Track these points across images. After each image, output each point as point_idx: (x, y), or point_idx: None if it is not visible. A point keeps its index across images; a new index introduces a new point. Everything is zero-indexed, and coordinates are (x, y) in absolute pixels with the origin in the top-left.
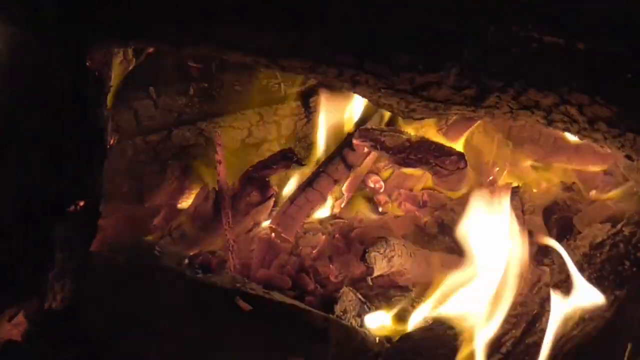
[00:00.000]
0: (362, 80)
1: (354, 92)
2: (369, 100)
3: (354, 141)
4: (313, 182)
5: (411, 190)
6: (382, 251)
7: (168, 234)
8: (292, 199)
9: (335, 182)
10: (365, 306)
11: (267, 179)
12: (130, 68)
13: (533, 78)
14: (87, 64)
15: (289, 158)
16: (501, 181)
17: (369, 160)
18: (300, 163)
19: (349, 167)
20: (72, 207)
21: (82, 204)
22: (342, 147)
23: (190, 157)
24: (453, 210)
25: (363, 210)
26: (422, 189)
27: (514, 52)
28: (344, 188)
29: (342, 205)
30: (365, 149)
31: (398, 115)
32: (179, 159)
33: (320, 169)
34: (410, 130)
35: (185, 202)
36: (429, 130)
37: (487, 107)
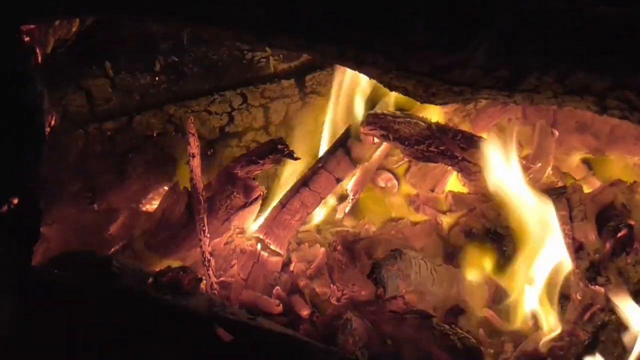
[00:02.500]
0: (369, 60)
1: (360, 72)
2: (379, 82)
3: (361, 129)
4: (310, 180)
5: (432, 190)
6: (395, 267)
7: (128, 246)
8: (284, 202)
9: (337, 180)
10: (375, 333)
11: (252, 177)
12: (72, 33)
13: (582, 56)
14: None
15: (279, 150)
16: (544, 179)
17: (379, 153)
18: (293, 156)
19: (355, 162)
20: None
21: (15, 202)
22: (345, 137)
23: (156, 150)
24: (484, 215)
25: (372, 216)
26: (446, 189)
27: (559, 23)
28: (348, 188)
29: (346, 210)
30: (375, 139)
31: (414, 99)
32: (142, 151)
33: (319, 165)
34: (430, 115)
35: (150, 206)
36: (453, 115)
37: (524, 91)
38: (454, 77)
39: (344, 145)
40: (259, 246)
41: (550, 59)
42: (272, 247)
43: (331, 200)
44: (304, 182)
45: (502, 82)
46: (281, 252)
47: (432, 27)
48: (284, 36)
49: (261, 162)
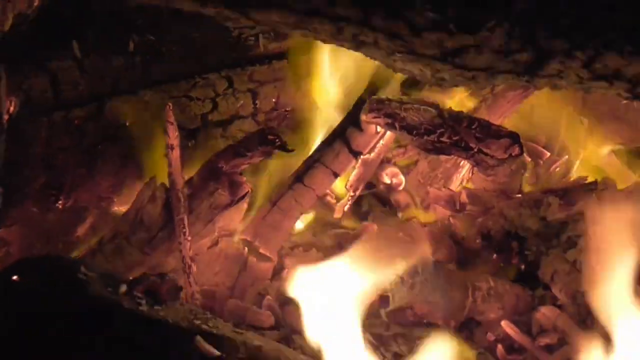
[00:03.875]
0: (369, 40)
1: (360, 53)
2: (382, 64)
3: (363, 117)
4: (304, 175)
5: (444, 187)
6: (401, 274)
7: (98, 250)
8: (274, 199)
9: (335, 175)
10: (379, 351)
11: (239, 172)
12: (34, 7)
13: (613, 38)
14: None
15: (270, 141)
16: (573, 173)
17: (383, 144)
18: (286, 148)
19: (355, 154)
20: None
21: None
22: (344, 125)
23: (131, 141)
24: (504, 215)
25: (375, 216)
26: (460, 185)
27: (587, 1)
28: (347, 184)
29: (345, 209)
30: (379, 128)
31: (422, 81)
32: (114, 143)
33: (314, 158)
34: (442, 99)
35: (123, 204)
36: (466, 101)
37: (546, 77)
38: (466, 62)
39: (343, 135)
40: (246, 250)
41: (577, 42)
42: (261, 251)
43: (328, 199)
44: (297, 177)
45: (521, 67)
46: (272, 256)
47: (440, 5)
48: (273, 12)
49: (249, 154)
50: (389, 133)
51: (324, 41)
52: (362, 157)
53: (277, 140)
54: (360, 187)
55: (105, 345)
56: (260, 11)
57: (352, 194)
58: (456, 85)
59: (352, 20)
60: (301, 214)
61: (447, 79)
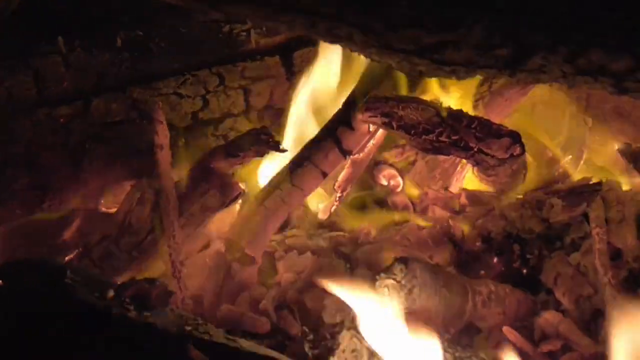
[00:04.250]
0: (343, 34)
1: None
2: (359, 54)
3: (359, 116)
4: (293, 174)
5: (443, 189)
6: (399, 279)
7: (85, 254)
8: (261, 199)
9: (324, 175)
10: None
11: (230, 172)
12: (17, 1)
13: (597, 33)
14: None
15: (263, 141)
16: (576, 174)
17: (373, 144)
18: (279, 148)
19: (345, 153)
20: None
21: None
22: (335, 124)
23: (118, 140)
24: (504, 217)
25: (370, 219)
26: (459, 187)
27: None
28: (336, 184)
29: (332, 210)
30: (372, 127)
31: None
32: (101, 142)
33: (303, 156)
34: (440, 97)
35: (111, 207)
36: (463, 99)
37: (529, 72)
38: (444, 57)
39: (333, 134)
40: (225, 251)
41: (559, 36)
42: (246, 251)
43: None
44: (285, 177)
45: (502, 62)
46: (257, 258)
47: (416, 7)
48: (243, 4)
49: (242, 155)
50: (379, 132)
51: (298, 33)
52: (351, 156)
53: (270, 140)
54: (349, 188)
55: (94, 351)
56: (230, 4)
57: (339, 194)
58: (435, 77)
59: (325, 15)
60: (287, 214)
61: (425, 71)
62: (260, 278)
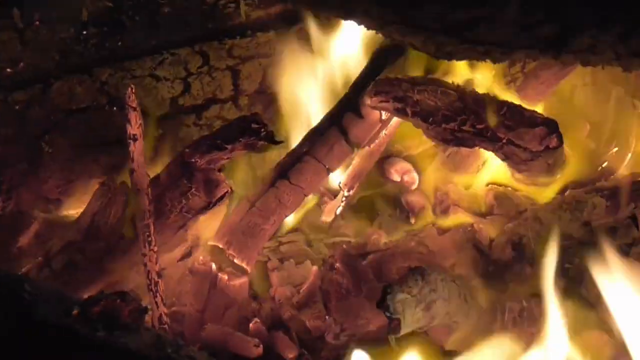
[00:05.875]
0: (359, 8)
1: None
2: (380, 34)
3: (368, 101)
4: (290, 171)
5: (466, 187)
6: (414, 292)
7: (45, 263)
8: (253, 199)
9: (328, 171)
10: None
11: (216, 168)
12: None
13: None
14: None
15: (254, 131)
16: (623, 169)
17: (386, 134)
18: (273, 139)
19: (353, 145)
20: None
21: None
22: (340, 111)
23: (83, 130)
24: (539, 220)
25: (382, 221)
26: (486, 184)
27: None
28: (342, 182)
29: (337, 212)
30: (384, 115)
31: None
32: (64, 132)
33: (303, 149)
34: (461, 79)
35: (75, 208)
36: (492, 81)
37: (576, 53)
38: (477, 36)
39: (339, 123)
40: (213, 266)
41: (610, 12)
42: (236, 261)
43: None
44: (281, 173)
45: (544, 42)
46: (247, 268)
47: None
48: None
49: (229, 147)
50: (393, 121)
51: (306, 9)
52: (360, 149)
53: (262, 129)
54: (357, 186)
55: None
56: None
57: (346, 193)
58: (466, 59)
59: None
60: (285, 217)
61: (453, 52)
62: (251, 292)
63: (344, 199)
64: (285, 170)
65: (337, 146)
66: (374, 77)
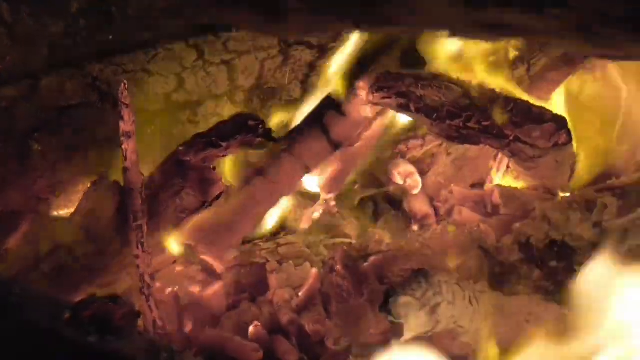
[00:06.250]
0: None
1: None
2: None
3: (370, 97)
4: (268, 167)
5: (472, 186)
6: (418, 295)
7: (34, 266)
8: (227, 194)
9: (307, 170)
10: None
11: (211, 166)
12: None
13: None
14: None
15: (251, 129)
16: (633, 167)
17: (370, 134)
18: (270, 137)
19: (334, 145)
20: None
21: None
22: (322, 108)
23: (74, 128)
24: (547, 220)
25: (386, 221)
26: (492, 183)
27: None
28: (321, 184)
29: (315, 216)
30: (370, 113)
31: None
32: (54, 130)
33: (282, 146)
34: (464, 74)
35: (65, 208)
36: (497, 74)
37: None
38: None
39: (321, 120)
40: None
41: None
42: (209, 257)
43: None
44: (258, 170)
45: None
46: (219, 265)
47: None
48: None
49: (225, 145)
50: (379, 120)
51: None
52: (342, 149)
53: (260, 127)
54: (338, 189)
55: None
56: None
57: (326, 196)
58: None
59: None
60: (260, 214)
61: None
62: (249, 295)
63: (323, 203)
64: (263, 167)
65: (317, 144)
66: (361, 72)
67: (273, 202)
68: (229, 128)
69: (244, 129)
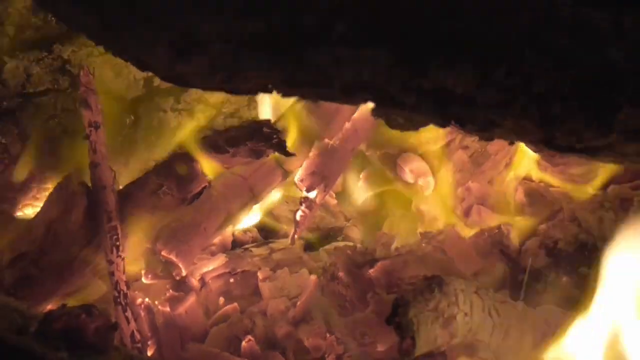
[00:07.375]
0: None
1: None
2: None
3: None
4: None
5: (489, 182)
6: (431, 305)
7: None
8: (190, 197)
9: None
10: None
11: (194, 163)
12: None
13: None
14: None
15: (265, 137)
16: None
17: (354, 128)
18: (284, 149)
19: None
20: None
21: None
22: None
23: (40, 119)
24: (577, 220)
25: (393, 223)
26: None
27: None
28: (298, 178)
29: (297, 217)
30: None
31: None
32: (16, 122)
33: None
34: None
35: (29, 212)
36: None
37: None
38: None
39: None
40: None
41: None
42: (172, 258)
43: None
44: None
45: None
46: (182, 266)
47: None
48: None
49: (231, 151)
50: (363, 114)
51: None
52: (322, 142)
53: (274, 137)
54: (330, 186)
55: None
56: None
57: (306, 194)
58: None
59: None
60: (230, 213)
61: None
62: (240, 307)
63: (301, 201)
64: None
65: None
66: None
67: (244, 200)
68: (240, 133)
69: (257, 136)
